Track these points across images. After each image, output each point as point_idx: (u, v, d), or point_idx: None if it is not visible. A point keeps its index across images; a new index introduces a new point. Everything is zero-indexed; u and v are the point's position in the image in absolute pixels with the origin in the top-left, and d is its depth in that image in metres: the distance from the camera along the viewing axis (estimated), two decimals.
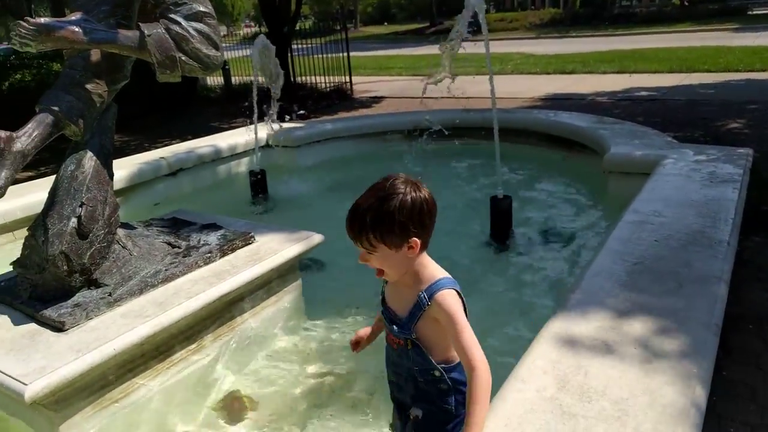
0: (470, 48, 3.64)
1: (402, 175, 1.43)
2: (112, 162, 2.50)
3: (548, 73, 12.83)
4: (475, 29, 3.73)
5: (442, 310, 1.41)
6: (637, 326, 1.81)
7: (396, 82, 13.66)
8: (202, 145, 5.30)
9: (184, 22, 2.43)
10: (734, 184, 3.14)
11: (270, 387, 2.45)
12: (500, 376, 1.66)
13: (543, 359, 1.66)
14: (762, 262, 3.14)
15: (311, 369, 2.55)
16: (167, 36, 2.38)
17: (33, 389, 1.73)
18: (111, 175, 2.46)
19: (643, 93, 9.35)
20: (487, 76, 3.58)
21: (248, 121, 5.61)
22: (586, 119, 5.35)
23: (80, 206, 2.23)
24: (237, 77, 12.28)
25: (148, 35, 2.32)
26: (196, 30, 2.46)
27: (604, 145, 4.33)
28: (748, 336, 2.53)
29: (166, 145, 5.87)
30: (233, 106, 10.36)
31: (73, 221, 2.19)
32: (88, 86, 2.36)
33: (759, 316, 2.66)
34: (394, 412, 1.69)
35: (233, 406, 2.34)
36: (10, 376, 1.77)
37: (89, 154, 2.37)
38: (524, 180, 4.98)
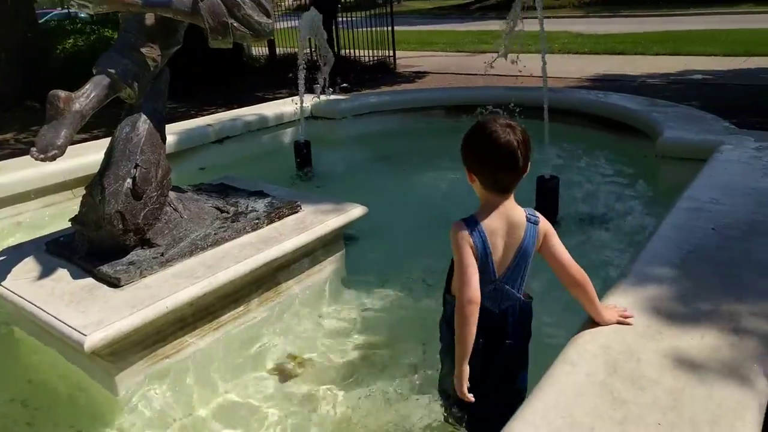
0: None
1: (502, 117, 1.67)
2: (164, 126, 2.54)
3: (597, 53, 12.41)
4: (527, 5, 3.65)
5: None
6: (692, 316, 1.75)
7: (439, 57, 13.46)
8: (249, 113, 5.34)
9: None
10: None
11: (313, 353, 2.50)
12: (548, 357, 1.64)
13: (593, 343, 1.63)
14: None
15: (354, 337, 2.58)
16: (219, 2, 2.38)
17: (92, 340, 1.80)
18: (164, 139, 2.51)
19: (698, 76, 8.97)
20: (531, 55, 3.56)
21: (292, 91, 5.62)
22: (638, 101, 5.15)
23: (135, 168, 2.28)
24: (281, 48, 12.28)
25: (201, 1, 2.32)
26: None
27: (656, 129, 4.17)
28: None
29: (212, 113, 5.93)
30: (277, 76, 10.39)
31: (128, 182, 2.25)
32: (143, 50, 2.39)
33: None
34: None
35: (281, 368, 2.40)
36: (71, 327, 1.85)
37: (143, 117, 2.41)
38: (571, 162, 4.85)
